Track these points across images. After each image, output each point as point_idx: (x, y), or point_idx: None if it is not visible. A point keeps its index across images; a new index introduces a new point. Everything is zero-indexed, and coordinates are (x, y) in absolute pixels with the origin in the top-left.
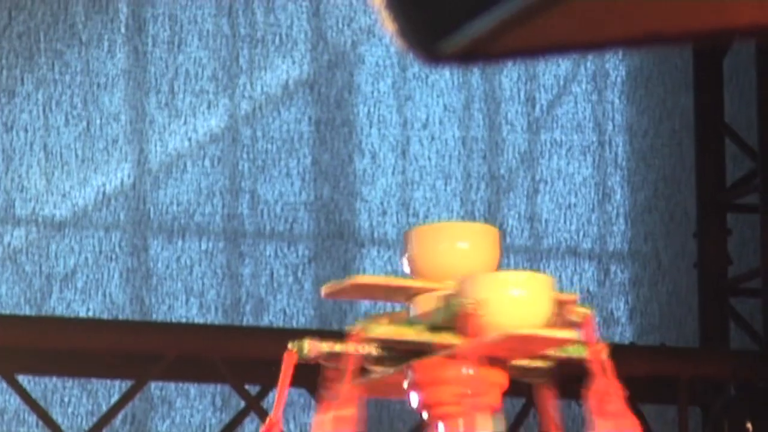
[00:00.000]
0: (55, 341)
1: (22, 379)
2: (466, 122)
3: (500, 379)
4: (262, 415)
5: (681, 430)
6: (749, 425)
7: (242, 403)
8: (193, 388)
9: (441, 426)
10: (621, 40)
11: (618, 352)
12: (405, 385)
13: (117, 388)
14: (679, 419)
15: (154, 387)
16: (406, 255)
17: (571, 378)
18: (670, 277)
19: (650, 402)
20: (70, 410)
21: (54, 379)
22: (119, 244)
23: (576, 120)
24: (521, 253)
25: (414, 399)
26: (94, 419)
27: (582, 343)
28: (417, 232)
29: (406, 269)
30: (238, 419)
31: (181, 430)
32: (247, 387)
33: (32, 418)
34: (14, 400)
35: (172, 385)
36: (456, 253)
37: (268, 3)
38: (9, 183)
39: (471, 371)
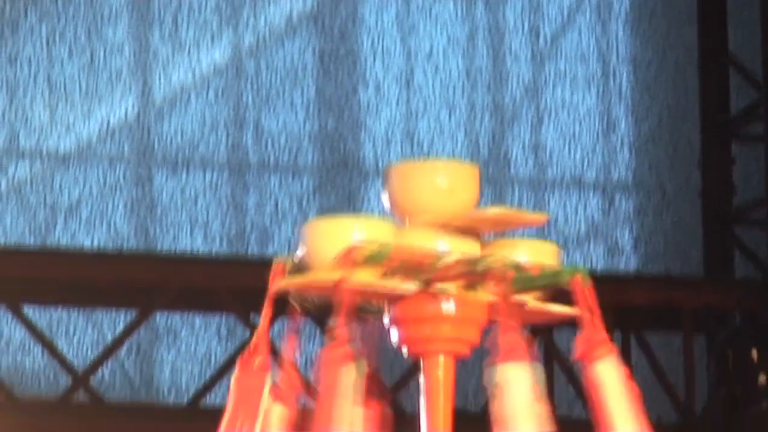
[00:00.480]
0: (60, 272)
1: (28, 310)
2: (470, 53)
3: (480, 316)
4: (268, 345)
5: (686, 359)
6: (754, 353)
7: (247, 333)
8: (198, 319)
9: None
10: None
11: (623, 281)
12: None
13: (122, 318)
14: (684, 348)
15: (159, 317)
16: (386, 191)
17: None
18: (675, 207)
19: (655, 331)
20: (75, 341)
21: (59, 309)
22: (123, 175)
23: (580, 51)
24: (525, 184)
25: (394, 336)
26: (99, 350)
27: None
28: (395, 170)
29: (386, 205)
30: (243, 347)
31: (186, 360)
32: (252, 317)
33: (37, 349)
34: (20, 331)
35: (177, 316)
36: (435, 191)
37: None
38: (13, 116)
39: (451, 309)
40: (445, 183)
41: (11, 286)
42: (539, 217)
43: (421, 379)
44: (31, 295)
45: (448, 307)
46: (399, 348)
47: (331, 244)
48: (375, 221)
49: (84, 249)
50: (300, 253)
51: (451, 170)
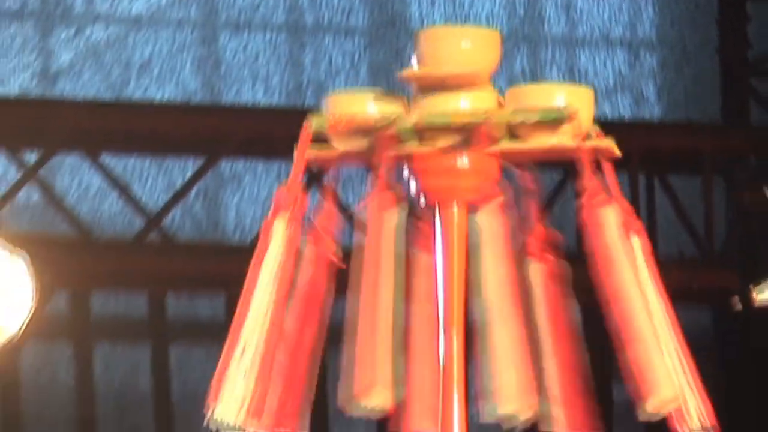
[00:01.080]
0: (134, 124)
1: (105, 159)
2: None
3: (493, 169)
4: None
5: (706, 198)
6: (767, 191)
7: (307, 178)
8: (260, 165)
9: (438, 211)
10: None
11: (648, 128)
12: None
13: (190, 165)
14: (704, 189)
15: (225, 164)
16: (416, 55)
17: None
18: (695, 60)
19: (677, 174)
20: (147, 186)
21: (133, 158)
22: (191, 35)
23: None
24: (558, 41)
25: (413, 186)
26: (170, 194)
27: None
28: (421, 35)
29: (416, 67)
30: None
31: (249, 203)
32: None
33: (114, 194)
34: (98, 178)
35: (240, 162)
36: (459, 55)
37: None
38: None
39: (465, 162)
40: (468, 46)
41: (90, 136)
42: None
43: (437, 224)
44: (108, 145)
45: (462, 162)
46: (418, 197)
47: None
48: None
49: (155, 102)
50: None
51: (472, 35)
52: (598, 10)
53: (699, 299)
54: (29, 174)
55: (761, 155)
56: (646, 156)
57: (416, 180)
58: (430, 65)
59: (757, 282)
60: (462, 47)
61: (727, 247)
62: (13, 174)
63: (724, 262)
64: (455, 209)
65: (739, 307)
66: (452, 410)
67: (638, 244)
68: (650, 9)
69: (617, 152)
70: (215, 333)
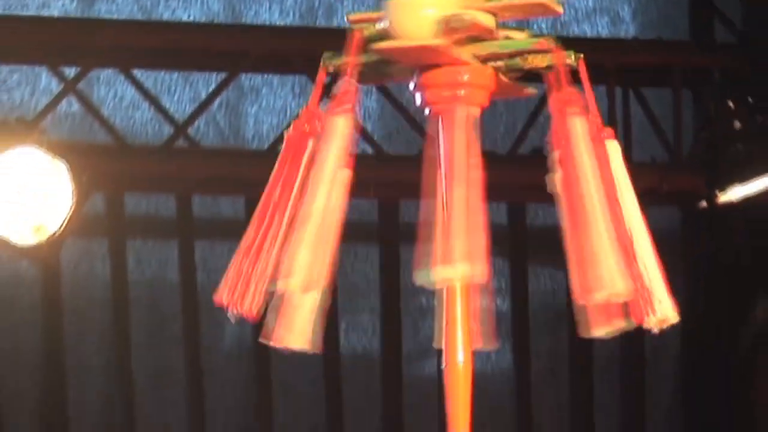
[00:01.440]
0: (163, 41)
1: (137, 73)
2: None
3: (489, 82)
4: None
5: (675, 109)
6: (730, 104)
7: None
8: (276, 79)
9: (440, 119)
10: None
11: (624, 46)
12: (411, 86)
13: (213, 79)
14: (674, 100)
15: (244, 78)
16: None
17: None
18: None
19: (650, 87)
20: (175, 97)
21: (162, 73)
22: None
23: None
24: None
25: (419, 98)
26: (195, 105)
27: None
28: None
29: None
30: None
31: (266, 112)
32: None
33: (145, 105)
34: (131, 90)
35: (258, 77)
36: None
37: None
38: None
39: (465, 76)
40: None
41: (124, 53)
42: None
43: (441, 136)
44: (140, 61)
45: (464, 76)
46: (423, 108)
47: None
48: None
49: (182, 21)
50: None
51: None
52: None
53: (668, 200)
54: (69, 87)
55: (724, 70)
56: (622, 71)
57: (421, 92)
58: None
59: (720, 183)
60: None
61: (693, 153)
62: (55, 87)
63: (691, 166)
64: (458, 114)
65: (704, 205)
66: (455, 317)
67: (612, 148)
68: None
69: (573, 63)
70: (236, 230)
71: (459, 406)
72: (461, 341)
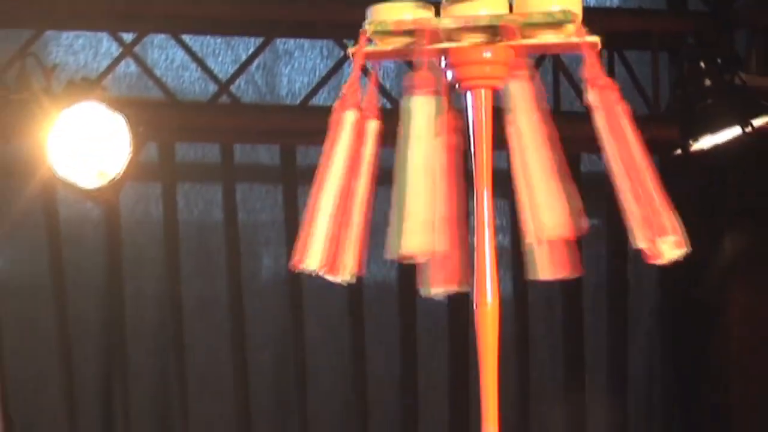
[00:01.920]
0: (208, 9)
1: (186, 38)
2: None
3: (508, 59)
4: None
5: (654, 69)
6: (701, 64)
7: (342, 53)
8: (306, 43)
9: (469, 94)
10: None
11: (609, 13)
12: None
13: (252, 43)
14: (653, 62)
15: (279, 42)
16: None
17: None
18: None
19: (632, 49)
20: (219, 59)
21: (207, 37)
22: None
23: None
24: None
25: (450, 75)
26: (237, 66)
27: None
28: None
29: None
30: (338, 64)
31: (298, 72)
32: (344, 41)
33: (193, 66)
34: (180, 53)
35: (291, 41)
36: None
37: None
38: None
39: (489, 54)
40: None
41: (175, 20)
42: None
43: (470, 110)
44: (188, 27)
45: (487, 54)
46: (453, 85)
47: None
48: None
49: None
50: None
51: None
52: None
53: (648, 148)
54: (127, 50)
55: (697, 35)
56: (608, 36)
57: (452, 70)
58: None
59: (692, 134)
60: None
61: (669, 107)
62: (114, 51)
63: (668, 118)
64: (483, 92)
65: (679, 152)
66: (485, 266)
67: (620, 109)
68: None
69: (600, 44)
70: (272, 175)
71: (489, 342)
72: (490, 285)
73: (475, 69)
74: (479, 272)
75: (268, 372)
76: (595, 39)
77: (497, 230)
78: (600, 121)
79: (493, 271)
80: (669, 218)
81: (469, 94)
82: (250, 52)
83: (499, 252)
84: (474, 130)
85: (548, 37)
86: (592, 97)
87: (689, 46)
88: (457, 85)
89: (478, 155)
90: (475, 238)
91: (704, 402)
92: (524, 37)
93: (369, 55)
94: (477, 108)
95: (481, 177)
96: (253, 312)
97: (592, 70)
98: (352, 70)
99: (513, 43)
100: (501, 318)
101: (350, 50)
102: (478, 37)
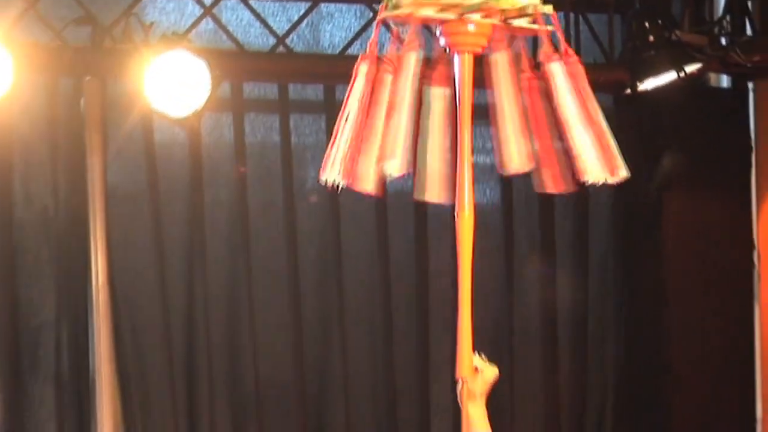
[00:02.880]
0: None
1: (252, 2)
2: None
3: (487, 32)
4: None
5: (609, 28)
6: (646, 23)
7: (371, 14)
8: (344, 6)
9: (456, 56)
10: None
11: None
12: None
13: (303, 6)
14: (609, 21)
15: (324, 5)
16: None
17: None
18: None
19: (593, 13)
20: (277, 19)
21: (269, 2)
22: None
23: None
24: None
25: (443, 41)
26: (290, 24)
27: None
28: None
29: None
30: (368, 23)
31: (338, 29)
32: (373, 6)
33: (257, 24)
34: (247, 14)
35: (333, 5)
36: None
37: None
38: None
39: (472, 27)
40: None
41: None
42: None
43: (456, 71)
44: None
45: (471, 26)
46: (444, 48)
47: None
48: None
49: None
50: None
51: None
52: None
53: (604, 89)
54: (207, 11)
55: (642, 2)
56: (574, 3)
57: (444, 38)
58: None
59: (639, 77)
60: None
61: (621, 57)
62: (198, 11)
63: (620, 65)
64: (466, 55)
65: (628, 92)
66: (463, 186)
67: (579, 69)
68: None
69: (557, 32)
70: (319, 106)
71: (465, 241)
72: (467, 199)
73: (460, 38)
74: (459, 190)
75: (314, 257)
76: (550, 9)
77: (488, 152)
78: (562, 82)
79: (470, 189)
80: (617, 158)
81: (456, 57)
82: (301, 13)
83: (488, 168)
84: (459, 84)
85: (519, 22)
86: (555, 65)
87: (636, 10)
88: (447, 49)
89: (462, 102)
90: (458, 165)
91: (647, 281)
92: (505, 19)
93: (387, 18)
94: (462, 66)
95: (463, 119)
96: (301, 213)
97: (547, 49)
98: (374, 31)
99: (488, 21)
100: (482, 221)
101: (382, 14)
102: (467, 14)
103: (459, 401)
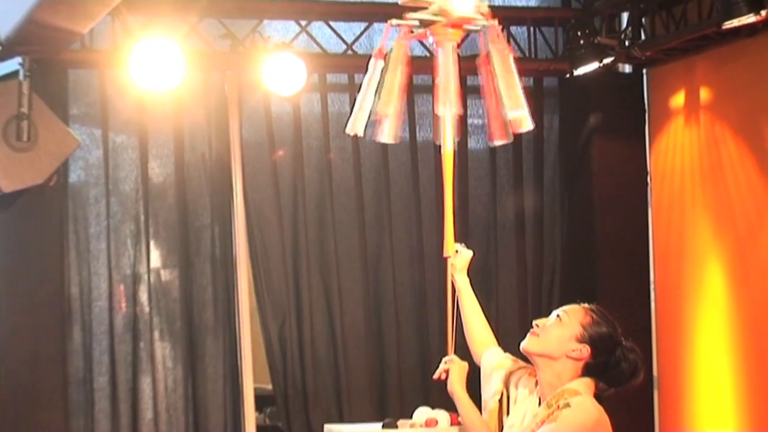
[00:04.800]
0: (333, 9)
1: (332, 23)
2: None
3: (459, 34)
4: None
5: (555, 36)
6: (579, 33)
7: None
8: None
9: (439, 50)
10: None
11: (531, 9)
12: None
13: (361, 26)
14: (555, 32)
15: (377, 25)
16: None
17: None
18: None
19: (544, 26)
20: (345, 33)
21: (340, 22)
22: None
23: None
24: None
25: (431, 40)
26: (353, 36)
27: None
28: None
29: None
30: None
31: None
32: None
33: (335, 37)
34: (327, 30)
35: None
36: None
37: None
38: None
39: (450, 29)
40: None
41: (327, 14)
42: None
43: (440, 61)
44: (332, 16)
45: (448, 29)
46: (431, 43)
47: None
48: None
49: None
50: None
51: None
52: None
53: (553, 75)
54: (302, 29)
55: (576, 17)
56: (531, 19)
57: (432, 36)
58: None
59: (575, 66)
60: None
61: (563, 54)
62: (297, 29)
63: (563, 58)
64: (448, 46)
65: (568, 76)
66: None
67: (507, 51)
68: None
69: (498, 26)
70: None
71: (447, 173)
72: (450, 138)
73: (438, 33)
74: (443, 128)
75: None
76: (494, 23)
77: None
78: (496, 57)
79: (453, 131)
80: (525, 107)
81: (440, 50)
82: (362, 29)
83: (479, 128)
84: (440, 62)
85: (476, 22)
86: (492, 47)
87: (572, 24)
88: (434, 44)
89: (445, 90)
90: (441, 115)
91: (581, 194)
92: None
93: (395, 24)
94: (446, 55)
95: (446, 95)
96: (362, 155)
97: (492, 37)
98: (383, 34)
99: (458, 24)
100: (477, 164)
101: (389, 22)
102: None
103: (450, 275)
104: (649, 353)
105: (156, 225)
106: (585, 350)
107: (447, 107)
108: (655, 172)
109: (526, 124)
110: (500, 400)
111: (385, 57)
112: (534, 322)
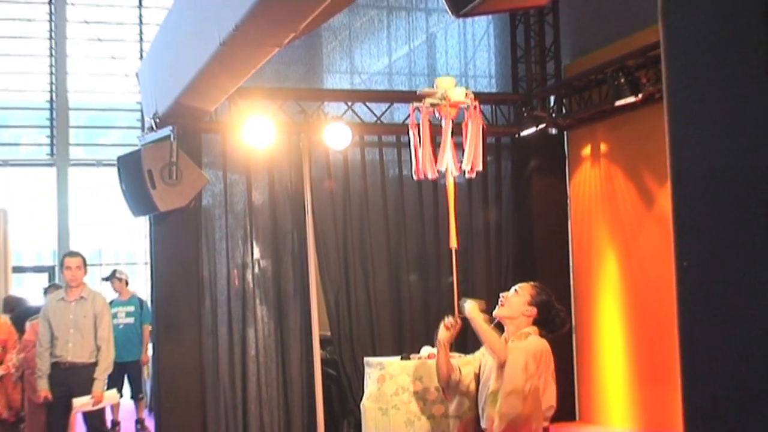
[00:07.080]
0: (363, 95)
1: (366, 105)
2: None
3: (456, 109)
4: None
5: (508, 111)
6: (523, 109)
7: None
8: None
9: (443, 119)
10: None
11: (498, 95)
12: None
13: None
14: (508, 109)
15: (397, 106)
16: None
17: None
18: None
19: (500, 104)
20: (373, 111)
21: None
22: None
23: None
24: None
25: (436, 113)
26: (380, 112)
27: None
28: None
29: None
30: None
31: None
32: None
33: (370, 112)
34: (364, 108)
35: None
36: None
37: None
38: None
39: (450, 107)
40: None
41: (360, 96)
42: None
43: (443, 123)
44: (364, 99)
45: (448, 107)
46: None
47: None
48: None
49: None
50: None
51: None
52: None
53: (507, 135)
54: (348, 108)
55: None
56: (490, 99)
57: (437, 111)
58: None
59: (521, 129)
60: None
61: (513, 121)
62: (345, 107)
63: (514, 124)
64: (449, 117)
65: (517, 136)
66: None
67: (478, 121)
68: None
69: (472, 101)
70: (394, 145)
71: (450, 196)
72: (450, 174)
73: (444, 110)
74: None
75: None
76: (471, 101)
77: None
78: (472, 124)
79: (453, 169)
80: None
81: (443, 119)
82: (386, 107)
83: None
84: (444, 127)
85: (464, 104)
86: (469, 119)
87: (518, 104)
88: (438, 115)
89: (444, 125)
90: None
91: (525, 211)
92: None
93: (416, 107)
94: (446, 120)
95: (445, 137)
96: (394, 196)
97: (470, 112)
98: (410, 112)
99: (454, 104)
100: (464, 192)
101: (412, 104)
102: (444, 101)
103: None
104: (570, 312)
105: (257, 232)
106: (533, 311)
107: (448, 154)
108: (572, 197)
109: (475, 169)
110: (477, 373)
111: (417, 126)
112: (501, 295)
